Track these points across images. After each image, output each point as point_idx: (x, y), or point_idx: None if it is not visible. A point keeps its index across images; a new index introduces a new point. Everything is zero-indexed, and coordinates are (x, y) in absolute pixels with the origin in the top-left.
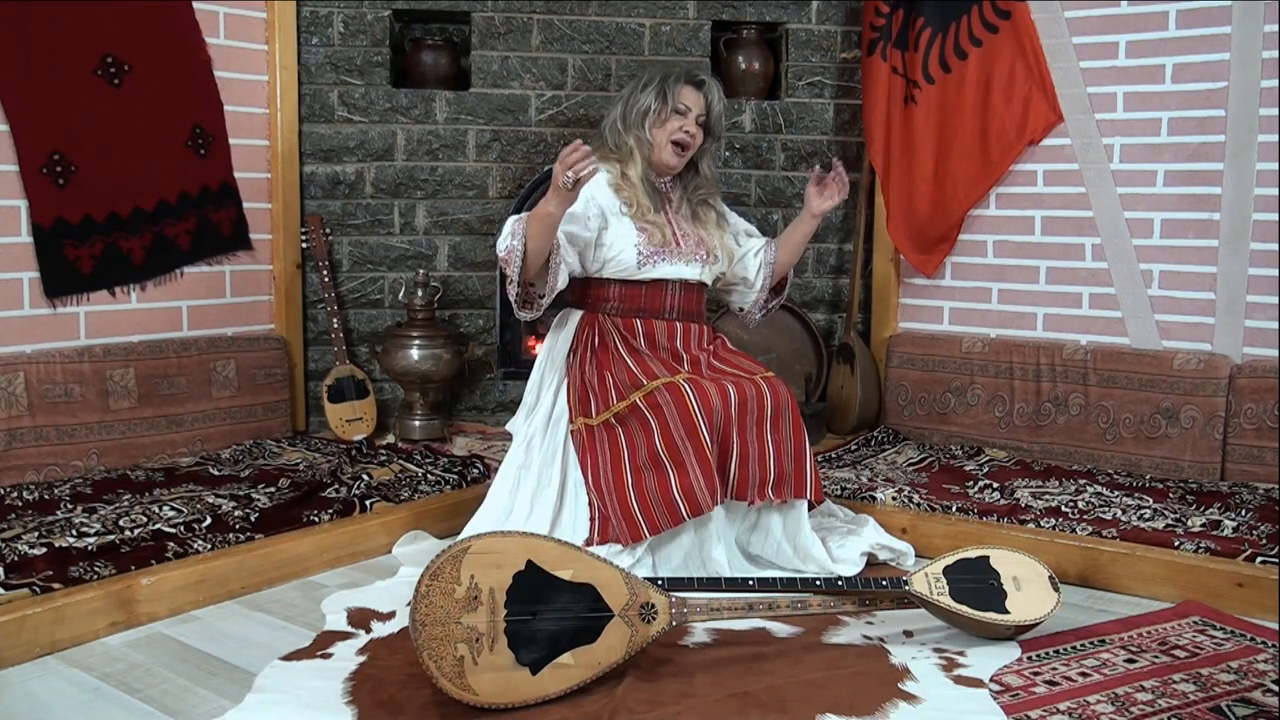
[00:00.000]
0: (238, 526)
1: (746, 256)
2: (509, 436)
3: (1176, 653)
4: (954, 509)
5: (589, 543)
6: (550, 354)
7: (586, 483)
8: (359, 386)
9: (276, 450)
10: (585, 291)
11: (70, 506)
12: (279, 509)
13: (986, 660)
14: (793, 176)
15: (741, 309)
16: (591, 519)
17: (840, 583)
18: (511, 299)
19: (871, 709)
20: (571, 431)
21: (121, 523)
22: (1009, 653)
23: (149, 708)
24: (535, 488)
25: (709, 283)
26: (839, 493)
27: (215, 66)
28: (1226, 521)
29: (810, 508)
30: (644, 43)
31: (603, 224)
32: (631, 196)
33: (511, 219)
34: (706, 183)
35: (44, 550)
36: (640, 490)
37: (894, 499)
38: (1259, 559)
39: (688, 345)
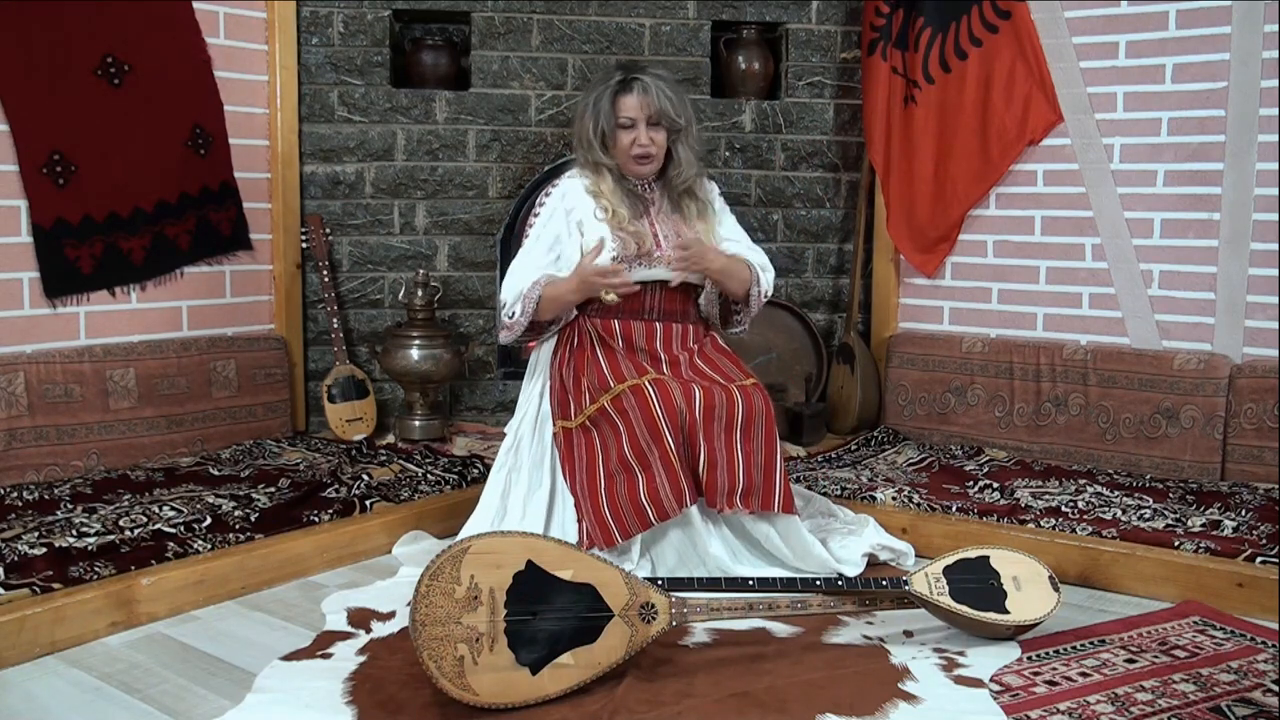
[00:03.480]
0: (238, 526)
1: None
2: None
3: (1176, 653)
4: (954, 509)
5: (578, 546)
6: (538, 356)
7: (569, 486)
8: (359, 386)
9: (276, 450)
10: None
11: (70, 506)
12: (279, 509)
13: (986, 660)
14: (793, 177)
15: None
16: (579, 522)
17: (840, 583)
18: (500, 339)
19: (871, 709)
20: (554, 434)
21: (121, 523)
22: (1009, 653)
23: (149, 708)
24: (526, 491)
25: (696, 282)
26: (839, 493)
27: (215, 66)
28: (1226, 521)
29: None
30: (644, 43)
31: (580, 233)
32: (608, 205)
33: (522, 285)
34: (687, 167)
35: (44, 550)
36: (612, 494)
37: (894, 499)
38: (1259, 559)
39: (669, 346)
